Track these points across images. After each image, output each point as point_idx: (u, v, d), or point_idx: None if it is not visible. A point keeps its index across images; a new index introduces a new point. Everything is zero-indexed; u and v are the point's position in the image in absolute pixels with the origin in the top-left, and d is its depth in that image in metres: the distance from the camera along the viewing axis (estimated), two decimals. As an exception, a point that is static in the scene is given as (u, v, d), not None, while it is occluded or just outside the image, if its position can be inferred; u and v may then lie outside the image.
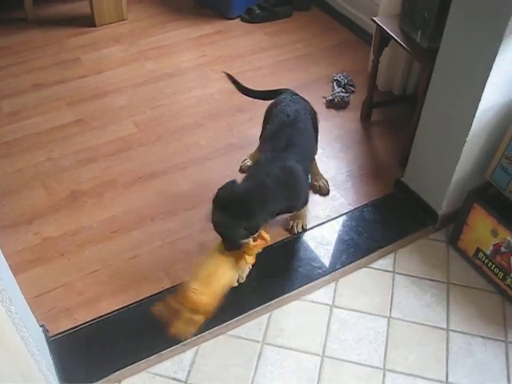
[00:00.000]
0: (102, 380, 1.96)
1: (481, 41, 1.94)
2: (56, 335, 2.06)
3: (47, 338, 2.02)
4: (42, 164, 2.72)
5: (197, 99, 3.09)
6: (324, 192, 2.58)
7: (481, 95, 2.01)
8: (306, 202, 2.30)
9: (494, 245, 2.21)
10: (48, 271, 2.27)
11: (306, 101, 2.40)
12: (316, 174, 2.58)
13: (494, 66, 1.92)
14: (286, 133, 2.17)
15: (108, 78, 3.25)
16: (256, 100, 2.91)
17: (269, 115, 2.35)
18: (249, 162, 2.62)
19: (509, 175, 2.12)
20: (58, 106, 3.05)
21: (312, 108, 2.40)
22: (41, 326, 2.01)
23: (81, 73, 3.28)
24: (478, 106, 2.04)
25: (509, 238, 2.13)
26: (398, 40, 2.53)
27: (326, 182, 2.58)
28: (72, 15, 3.75)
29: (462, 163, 2.23)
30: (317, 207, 2.52)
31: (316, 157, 2.52)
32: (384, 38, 2.65)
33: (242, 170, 2.61)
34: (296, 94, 2.39)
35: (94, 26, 3.63)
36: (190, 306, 1.84)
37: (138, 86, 3.19)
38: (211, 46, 3.50)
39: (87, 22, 3.65)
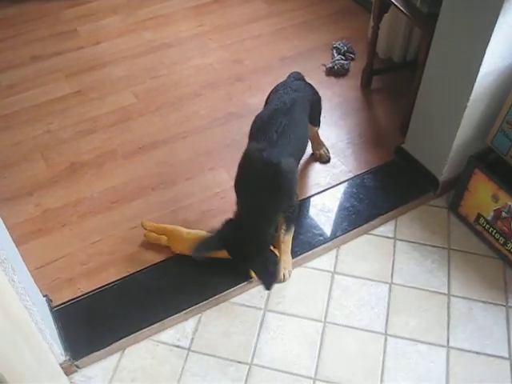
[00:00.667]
0: (106, 348, 1.98)
1: (481, 4, 1.91)
2: (59, 305, 2.08)
3: (51, 308, 2.03)
4: (41, 136, 2.71)
5: (196, 69, 3.07)
6: (324, 160, 2.57)
7: (482, 59, 1.99)
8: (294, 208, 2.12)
9: (494, 210, 2.21)
10: (50, 242, 2.28)
11: (310, 86, 2.36)
12: (318, 142, 2.56)
13: (495, 30, 1.90)
14: (281, 122, 2.06)
15: (106, 48, 3.22)
16: (255, 69, 2.91)
17: (268, 99, 2.31)
18: None
19: (510, 140, 2.11)
20: (56, 78, 3.03)
21: (316, 93, 2.36)
22: (44, 296, 2.03)
23: (78, 44, 3.25)
24: (478, 71, 2.02)
25: (510, 203, 2.13)
26: (398, 5, 2.50)
27: (327, 149, 2.57)
28: (68, -14, 3.70)
29: (462, 128, 2.22)
30: (317, 175, 2.52)
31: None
32: (384, 4, 2.62)
33: None
34: (300, 79, 2.37)
35: (91, -3, 3.59)
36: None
37: (137, 56, 3.17)
38: (209, 15, 3.46)
39: (84, -8, 3.61)
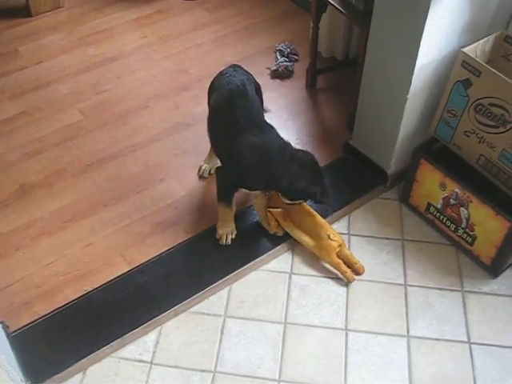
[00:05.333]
0: (67, 370, 1.95)
1: (411, -3, 1.96)
2: (17, 330, 2.04)
3: (8, 334, 1.99)
4: (-13, 161, 2.67)
5: (141, 81, 3.05)
6: None
7: (417, 52, 2.03)
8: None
9: (443, 198, 2.25)
10: (3, 267, 2.23)
11: (249, 73, 2.39)
12: None
13: (427, 21, 1.94)
14: (242, 105, 2.14)
15: (49, 67, 3.18)
16: (200, 77, 2.91)
17: (212, 90, 2.32)
18: (206, 167, 2.52)
19: (452, 128, 2.16)
20: (0, 100, 2.98)
21: (256, 81, 2.38)
22: (0, 323, 1.99)
23: (20, 64, 3.19)
24: (415, 63, 2.06)
25: (456, 190, 2.17)
26: (335, 4, 2.53)
27: None
28: (6, 7, 3.63)
29: (406, 121, 2.26)
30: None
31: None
32: (321, 4, 2.65)
33: (201, 177, 2.52)
34: (239, 66, 2.38)
35: (30, 16, 3.52)
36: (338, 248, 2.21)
37: (81, 72, 3.13)
38: (152, 26, 3.45)
39: (23, 12, 3.53)
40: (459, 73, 2.04)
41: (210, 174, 2.51)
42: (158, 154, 2.64)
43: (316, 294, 2.17)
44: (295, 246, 2.30)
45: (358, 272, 2.20)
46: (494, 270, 2.21)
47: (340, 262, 2.19)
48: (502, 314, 2.11)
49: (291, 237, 2.28)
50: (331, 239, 2.18)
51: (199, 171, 2.52)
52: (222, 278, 2.16)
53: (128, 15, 3.54)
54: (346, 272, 2.18)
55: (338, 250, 2.20)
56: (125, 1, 3.64)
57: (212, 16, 3.49)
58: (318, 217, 2.25)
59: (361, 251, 2.28)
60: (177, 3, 3.62)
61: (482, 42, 2.07)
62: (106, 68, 3.15)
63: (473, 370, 1.97)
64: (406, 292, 2.18)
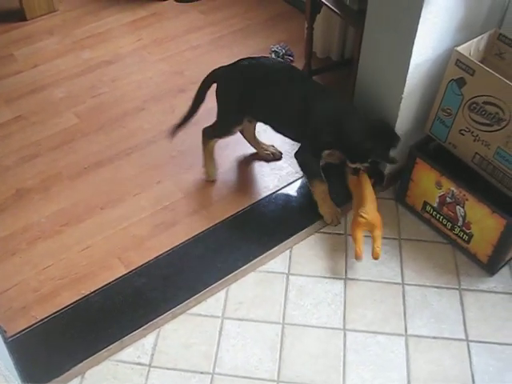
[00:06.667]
0: (66, 374, 1.95)
1: (404, -4, 1.96)
2: (15, 335, 2.04)
3: (5, 339, 1.99)
4: (-17, 166, 2.67)
5: (137, 84, 3.05)
6: (277, 157, 2.61)
7: (411, 51, 2.03)
8: None
9: (439, 196, 2.25)
10: (0, 272, 2.23)
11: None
12: (260, 143, 2.60)
13: (420, 21, 1.94)
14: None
15: (44, 71, 3.18)
16: (196, 79, 2.89)
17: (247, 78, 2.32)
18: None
19: (447, 127, 2.16)
20: (-4, 105, 2.99)
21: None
22: (-3, 328, 1.99)
23: (16, 69, 3.20)
24: (409, 62, 2.06)
25: (452, 189, 2.17)
26: (329, 5, 2.53)
27: (274, 147, 2.61)
28: (0, 11, 3.65)
29: (401, 120, 2.26)
30: (265, 178, 2.54)
31: (258, 128, 2.54)
32: (315, 5, 2.65)
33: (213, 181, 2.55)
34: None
35: (25, 20, 3.53)
36: (366, 227, 2.21)
37: (76, 76, 3.14)
38: (147, 29, 3.45)
39: (17, 16, 3.54)
40: (453, 71, 2.05)
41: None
42: (155, 156, 2.64)
43: (314, 294, 2.17)
44: (292, 246, 2.30)
45: (372, 254, 2.19)
46: (490, 267, 2.21)
47: (359, 238, 2.20)
48: (500, 312, 2.11)
49: (289, 236, 2.29)
50: (361, 216, 2.19)
51: (209, 177, 2.54)
52: (219, 280, 2.16)
53: (123, 18, 3.54)
54: (357, 250, 2.19)
55: (365, 228, 2.21)
56: (120, 4, 3.64)
57: (207, 18, 3.49)
58: (367, 191, 2.26)
59: (358, 251, 2.29)
60: (172, 6, 3.62)
61: (475, 40, 2.07)
62: (102, 71, 3.15)
63: (471, 368, 1.97)
64: (404, 291, 2.18)
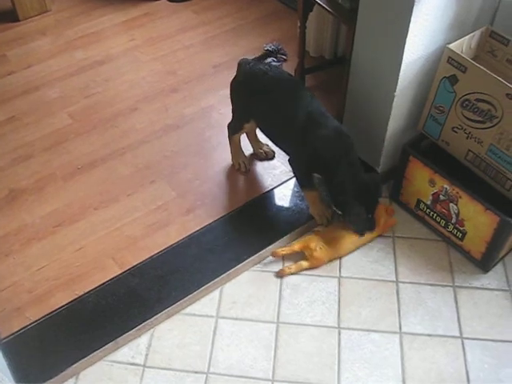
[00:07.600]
0: (60, 375, 1.94)
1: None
2: (8, 336, 2.03)
3: (-1, 340, 1.99)
4: (-24, 167, 2.66)
5: (129, 84, 3.05)
6: (270, 156, 2.61)
7: (403, 49, 2.03)
8: None
9: (432, 194, 2.26)
10: (-6, 273, 2.24)
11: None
12: (258, 141, 2.60)
13: (411, 19, 1.95)
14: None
15: (37, 71, 3.17)
16: (189, 79, 2.91)
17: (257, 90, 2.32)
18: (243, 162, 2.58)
19: (440, 125, 2.17)
20: (-11, 106, 2.98)
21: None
22: (-9, 330, 1.99)
23: (8, 69, 3.19)
24: (402, 60, 2.06)
25: (446, 186, 2.18)
26: (321, 3, 2.53)
27: (268, 146, 2.61)
28: (-8, 11, 3.64)
29: (394, 118, 2.26)
30: (259, 177, 2.54)
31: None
32: (308, 3, 2.65)
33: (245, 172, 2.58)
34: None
35: (18, 21, 3.51)
36: (312, 259, 2.21)
37: (69, 76, 3.13)
38: (139, 29, 3.44)
39: (9, 16, 3.53)
40: (445, 69, 2.05)
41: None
42: (148, 156, 2.64)
43: (308, 292, 2.17)
44: (286, 245, 2.30)
45: (281, 271, 2.22)
46: (484, 264, 2.22)
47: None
48: (494, 309, 2.12)
49: (283, 236, 2.30)
50: (316, 234, 2.27)
51: (240, 168, 2.57)
52: (213, 279, 2.16)
53: (116, 18, 3.53)
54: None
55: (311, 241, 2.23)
56: (112, 4, 3.63)
57: (200, 18, 3.49)
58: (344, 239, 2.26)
59: (352, 249, 2.29)
60: (164, 5, 3.62)
61: (467, 37, 2.07)
62: (95, 71, 3.15)
63: (465, 365, 1.97)
64: (398, 289, 2.18)
